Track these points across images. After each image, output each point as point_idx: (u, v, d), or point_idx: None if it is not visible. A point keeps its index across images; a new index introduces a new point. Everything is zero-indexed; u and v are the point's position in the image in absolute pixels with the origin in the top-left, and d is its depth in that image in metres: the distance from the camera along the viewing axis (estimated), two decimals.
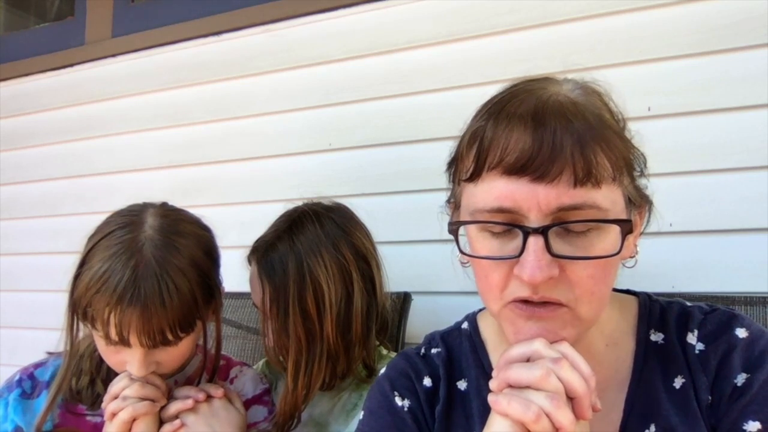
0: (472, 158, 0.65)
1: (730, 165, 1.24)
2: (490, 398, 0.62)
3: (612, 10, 1.36)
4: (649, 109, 1.28)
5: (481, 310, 0.85)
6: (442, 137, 1.49)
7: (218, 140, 1.83)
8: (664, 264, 1.22)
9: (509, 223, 0.63)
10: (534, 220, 0.61)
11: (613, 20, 1.36)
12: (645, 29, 1.33)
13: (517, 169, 0.61)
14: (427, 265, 1.49)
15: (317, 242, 1.08)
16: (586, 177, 0.60)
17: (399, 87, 1.58)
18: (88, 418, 1.02)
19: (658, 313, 0.75)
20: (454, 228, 0.69)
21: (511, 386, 0.62)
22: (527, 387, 0.60)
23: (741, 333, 0.69)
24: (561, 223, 0.61)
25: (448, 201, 0.76)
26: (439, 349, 0.82)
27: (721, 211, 1.24)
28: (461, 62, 1.51)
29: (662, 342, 0.73)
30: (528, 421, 0.58)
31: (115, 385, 0.94)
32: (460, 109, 1.59)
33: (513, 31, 1.46)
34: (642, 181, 0.69)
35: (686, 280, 1.23)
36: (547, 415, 0.58)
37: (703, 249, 1.24)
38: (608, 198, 0.62)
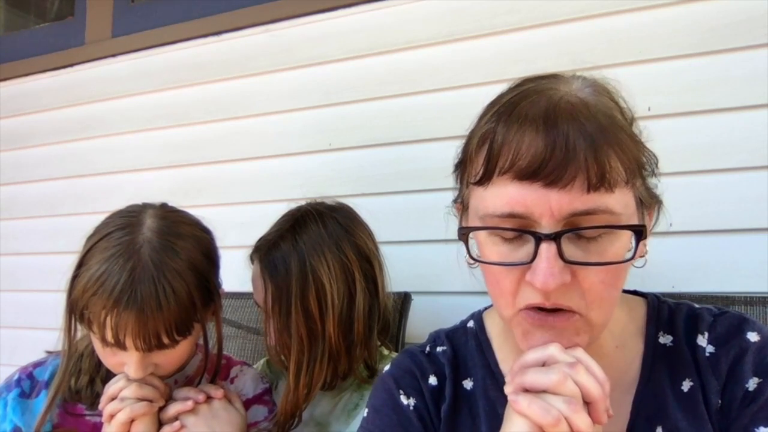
0: (481, 162, 0.64)
1: (730, 165, 1.24)
2: (511, 398, 0.62)
3: (612, 10, 1.36)
4: (649, 109, 1.28)
5: (486, 308, 0.85)
6: (442, 137, 1.49)
7: (218, 140, 1.83)
8: (663, 264, 1.22)
9: (520, 229, 0.62)
10: (546, 226, 0.60)
11: (613, 20, 1.36)
12: (645, 29, 1.32)
13: (530, 174, 0.59)
14: (428, 265, 1.49)
15: (320, 242, 1.08)
16: (600, 182, 0.59)
17: (399, 87, 1.58)
18: (88, 417, 1.02)
19: (667, 315, 0.74)
20: (463, 234, 0.68)
21: (527, 390, 0.61)
22: (544, 392, 0.60)
23: (753, 337, 0.68)
24: (573, 229, 0.60)
25: (455, 201, 0.75)
26: (445, 348, 0.81)
27: (721, 211, 1.23)
28: (461, 62, 1.51)
29: (671, 344, 0.72)
30: (547, 425, 0.58)
31: (113, 386, 0.94)
32: (460, 109, 1.59)
33: (513, 31, 1.45)
34: (652, 181, 0.68)
35: (686, 280, 1.23)
36: (566, 420, 0.58)
37: (703, 249, 1.24)
38: (621, 202, 0.61)
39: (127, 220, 0.94)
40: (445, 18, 1.53)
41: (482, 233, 0.65)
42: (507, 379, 0.65)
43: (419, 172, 1.53)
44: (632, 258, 0.63)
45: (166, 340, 0.90)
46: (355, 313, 1.07)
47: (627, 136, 0.63)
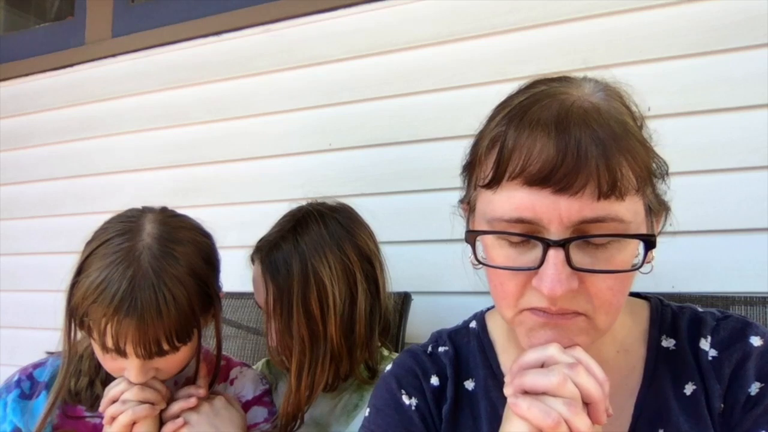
0: (491, 165, 0.63)
1: (731, 165, 1.23)
2: (510, 400, 0.62)
3: (612, 10, 1.36)
4: (649, 109, 1.27)
5: (489, 309, 0.85)
6: (442, 137, 1.49)
7: (218, 140, 1.83)
8: (663, 264, 1.20)
9: (528, 235, 0.61)
10: (554, 233, 0.60)
11: (614, 20, 1.35)
12: (645, 29, 1.32)
13: (540, 180, 0.59)
14: (428, 265, 1.49)
15: (321, 243, 1.07)
16: (611, 190, 0.59)
17: (399, 87, 1.58)
18: (87, 419, 1.02)
19: (670, 319, 0.74)
20: (471, 237, 0.67)
21: (526, 392, 0.61)
22: (543, 393, 0.60)
23: (756, 341, 0.68)
24: (582, 237, 0.60)
25: (462, 201, 0.74)
26: (447, 348, 0.81)
27: (722, 211, 1.23)
28: (461, 62, 1.51)
29: (674, 348, 0.72)
30: (547, 428, 0.58)
31: (114, 389, 0.93)
32: (460, 110, 1.59)
33: (513, 31, 1.45)
34: (662, 187, 0.68)
35: (686, 280, 1.23)
36: (566, 422, 0.58)
37: (703, 249, 1.24)
38: (630, 210, 0.61)
39: (127, 225, 0.93)
40: (445, 18, 1.53)
41: (489, 236, 0.65)
42: (506, 380, 0.65)
43: (419, 172, 1.53)
44: (640, 266, 0.63)
45: (166, 347, 0.90)
46: (357, 314, 1.07)
47: (638, 143, 0.63)
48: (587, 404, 0.60)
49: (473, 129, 0.71)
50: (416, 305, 1.35)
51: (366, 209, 1.19)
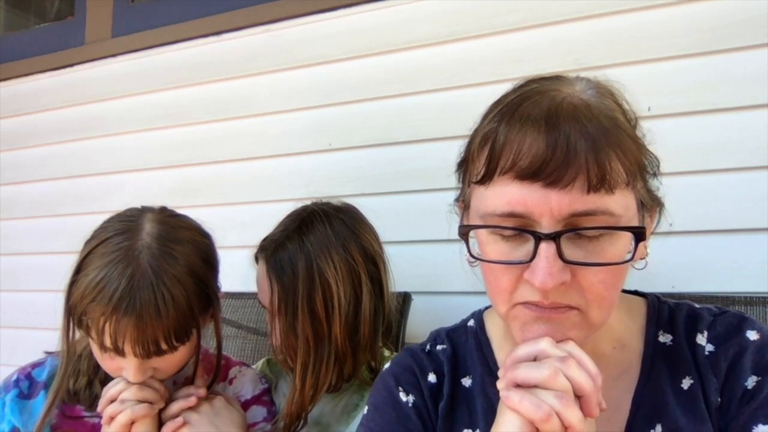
0: (483, 161, 0.65)
1: (731, 165, 1.23)
2: (502, 393, 0.62)
3: (612, 10, 1.36)
4: (649, 109, 1.28)
5: (487, 307, 0.85)
6: (442, 137, 1.49)
7: (218, 140, 1.83)
8: (663, 264, 1.22)
9: (520, 228, 0.62)
10: (546, 226, 0.61)
11: (614, 20, 1.36)
12: (645, 29, 1.32)
13: (530, 174, 0.60)
14: (427, 265, 1.49)
15: (327, 243, 1.07)
16: (600, 183, 0.60)
17: (399, 87, 1.58)
18: (86, 419, 1.02)
19: (667, 315, 0.75)
20: (464, 232, 0.68)
21: (518, 385, 0.62)
22: (535, 386, 0.60)
23: (752, 336, 0.69)
24: (573, 230, 0.61)
25: (457, 200, 0.75)
26: (445, 346, 0.82)
27: (722, 211, 1.23)
28: (461, 62, 1.51)
29: (670, 343, 0.73)
30: (538, 420, 0.58)
31: (112, 389, 0.93)
32: (460, 109, 1.59)
33: (513, 31, 1.45)
34: (654, 183, 0.69)
35: (686, 280, 1.23)
36: (557, 414, 0.58)
37: (703, 249, 1.24)
38: (621, 204, 0.62)
39: (126, 224, 0.93)
40: (445, 18, 1.53)
41: (483, 231, 0.66)
42: (499, 374, 0.65)
43: (419, 172, 1.53)
44: (631, 259, 0.63)
45: (164, 347, 0.90)
46: (361, 315, 1.07)
47: (629, 138, 0.63)
48: (579, 397, 0.60)
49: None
50: (416, 305, 1.35)
51: (366, 209, 1.19)
